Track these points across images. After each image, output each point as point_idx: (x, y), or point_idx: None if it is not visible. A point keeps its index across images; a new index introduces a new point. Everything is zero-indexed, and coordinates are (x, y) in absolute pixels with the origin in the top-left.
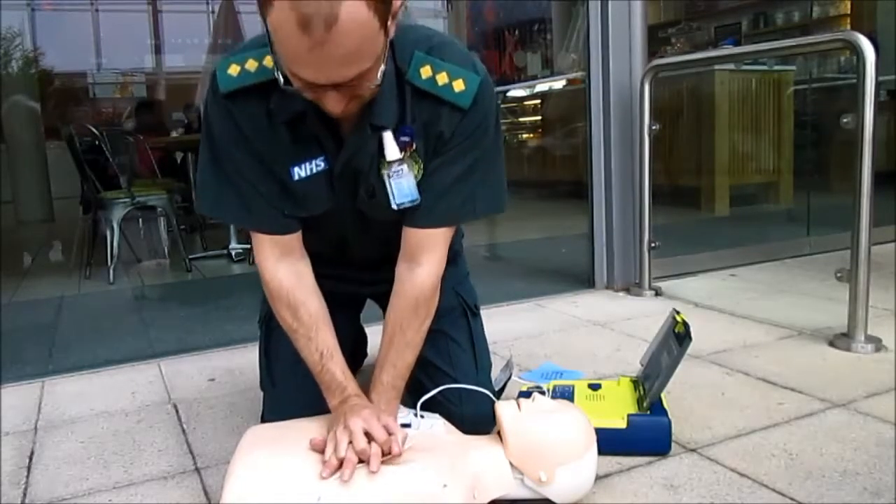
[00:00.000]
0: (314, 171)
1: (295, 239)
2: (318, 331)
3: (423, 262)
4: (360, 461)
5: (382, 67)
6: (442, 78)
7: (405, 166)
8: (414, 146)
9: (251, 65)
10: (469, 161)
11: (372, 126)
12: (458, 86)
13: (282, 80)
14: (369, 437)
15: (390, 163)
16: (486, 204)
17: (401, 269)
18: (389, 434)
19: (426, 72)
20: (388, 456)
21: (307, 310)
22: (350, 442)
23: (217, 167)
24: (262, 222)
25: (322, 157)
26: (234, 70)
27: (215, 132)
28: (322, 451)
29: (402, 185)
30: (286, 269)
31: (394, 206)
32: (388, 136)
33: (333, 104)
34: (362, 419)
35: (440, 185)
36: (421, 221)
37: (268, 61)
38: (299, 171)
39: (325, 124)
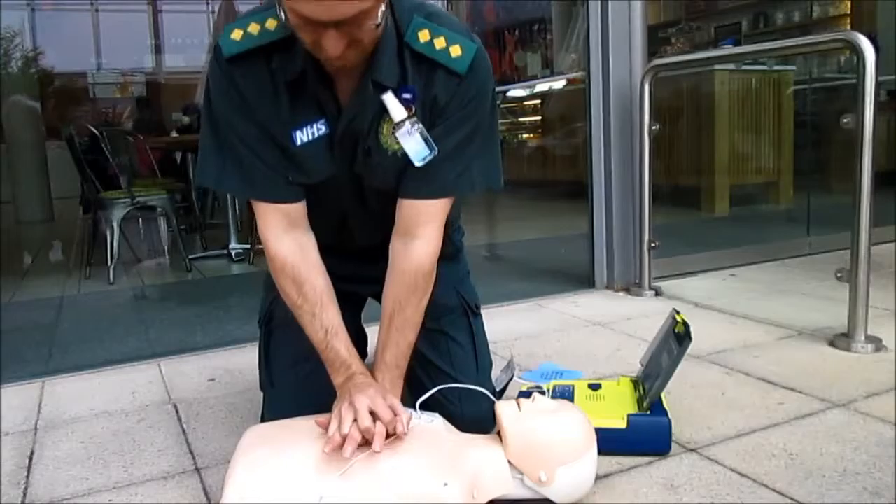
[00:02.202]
0: (315, 134)
1: (299, 209)
2: (322, 307)
3: (419, 235)
4: (364, 440)
5: (382, 8)
6: (440, 42)
7: (413, 124)
8: (414, 109)
9: (253, 28)
10: (466, 131)
11: (374, 83)
12: (455, 51)
13: (283, 16)
14: (374, 415)
15: (398, 124)
16: (483, 177)
17: (396, 246)
18: (395, 414)
19: (424, 36)
20: (391, 437)
21: (312, 286)
22: (354, 420)
23: (218, 138)
24: (266, 190)
25: (323, 121)
26: (236, 35)
27: (217, 102)
28: (326, 428)
29: (415, 143)
30: (291, 243)
31: (417, 164)
32: (390, 97)
33: (333, 45)
34: (368, 397)
35: (438, 155)
36: (418, 192)
37: (270, 24)
38: (301, 136)
39: (326, 86)
